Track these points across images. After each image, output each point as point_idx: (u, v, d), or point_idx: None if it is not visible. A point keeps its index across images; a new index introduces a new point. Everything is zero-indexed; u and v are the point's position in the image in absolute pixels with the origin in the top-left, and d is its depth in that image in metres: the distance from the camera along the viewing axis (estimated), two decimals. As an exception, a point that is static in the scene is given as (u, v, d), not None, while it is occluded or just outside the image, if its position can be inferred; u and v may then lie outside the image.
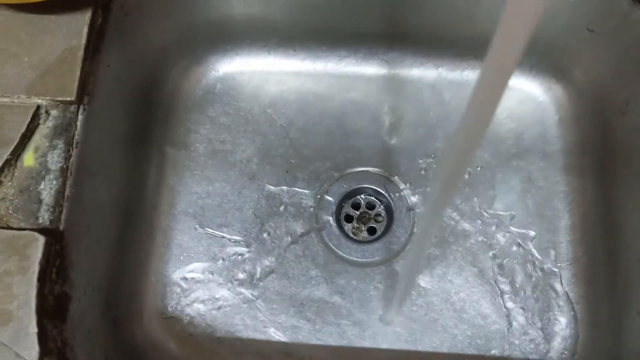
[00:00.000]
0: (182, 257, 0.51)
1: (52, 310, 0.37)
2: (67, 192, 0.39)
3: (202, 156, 0.53)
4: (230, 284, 0.50)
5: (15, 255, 0.37)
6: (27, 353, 0.35)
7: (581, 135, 0.54)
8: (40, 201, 0.39)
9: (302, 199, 0.53)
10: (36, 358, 0.35)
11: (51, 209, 0.39)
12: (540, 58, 0.55)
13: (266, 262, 0.51)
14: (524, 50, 0.19)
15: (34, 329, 0.35)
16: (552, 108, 0.55)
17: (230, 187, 0.53)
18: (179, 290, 0.50)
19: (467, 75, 0.57)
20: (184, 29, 0.53)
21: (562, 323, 0.49)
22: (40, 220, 0.38)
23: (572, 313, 0.49)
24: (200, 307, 0.50)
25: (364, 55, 0.57)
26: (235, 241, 0.51)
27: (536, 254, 0.51)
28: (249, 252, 0.51)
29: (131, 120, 0.49)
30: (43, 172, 0.39)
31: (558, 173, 0.54)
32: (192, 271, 0.50)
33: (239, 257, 0.51)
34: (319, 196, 0.53)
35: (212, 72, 0.56)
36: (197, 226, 0.52)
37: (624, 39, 0.48)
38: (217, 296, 0.50)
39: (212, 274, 0.51)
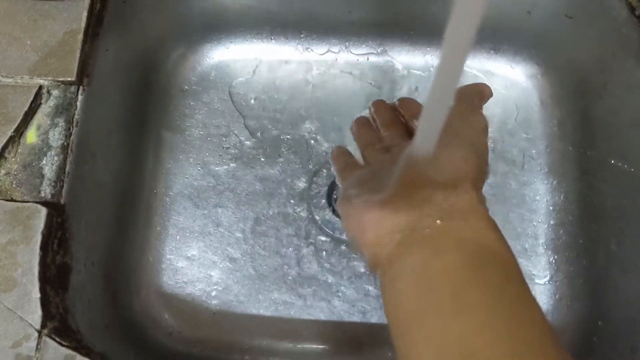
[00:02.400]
0: (178, 237, 0.53)
1: (54, 278, 0.39)
2: (67, 168, 0.41)
3: (198, 140, 0.55)
4: (225, 262, 0.52)
5: (19, 225, 0.39)
6: (31, 317, 0.37)
7: (563, 118, 0.56)
8: (42, 176, 0.41)
9: (295, 180, 0.55)
10: (39, 322, 0.37)
11: (53, 184, 0.41)
12: (524, 45, 0.57)
13: (260, 242, 0.53)
14: (476, 31, 0.21)
15: (36, 294, 0.37)
16: (535, 93, 0.57)
17: (225, 169, 0.55)
18: (175, 267, 0.52)
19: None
20: (179, 18, 0.55)
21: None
22: (43, 194, 0.40)
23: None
24: (196, 283, 0.52)
25: (355, 42, 0.59)
26: (230, 222, 0.53)
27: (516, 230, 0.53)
28: (242, 232, 0.53)
29: (129, 103, 0.51)
30: (45, 149, 0.41)
31: (540, 156, 0.56)
32: (188, 249, 0.52)
33: (234, 236, 0.53)
34: (312, 178, 0.55)
35: (207, 59, 0.58)
36: (192, 207, 0.54)
37: (600, 24, 0.50)
38: (211, 273, 0.52)
39: (207, 253, 0.53)
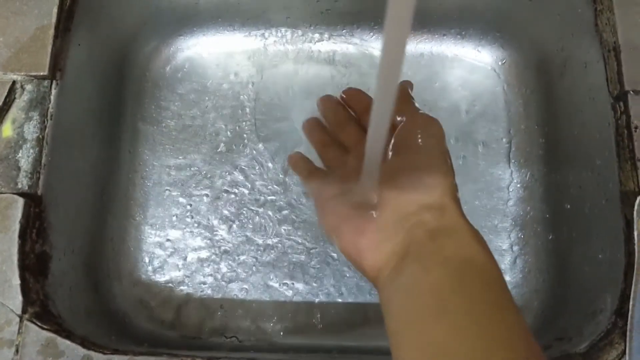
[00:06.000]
0: (157, 225, 0.54)
1: (33, 266, 0.40)
2: (43, 160, 0.43)
3: (174, 131, 0.57)
4: (204, 249, 0.54)
5: (-3, 216, 0.40)
6: (12, 302, 0.38)
7: (527, 98, 0.58)
8: (18, 168, 0.42)
9: (270, 168, 0.56)
10: (20, 307, 0.38)
11: (29, 175, 0.42)
12: (489, 28, 0.59)
13: (238, 228, 0.54)
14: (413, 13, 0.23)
15: (16, 281, 0.39)
16: (501, 75, 0.59)
17: (201, 159, 0.56)
18: (155, 255, 0.53)
19: (428, 48, 0.61)
20: (151, 11, 0.56)
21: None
22: (20, 186, 0.41)
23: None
24: (176, 270, 0.53)
25: (326, 31, 0.60)
26: (208, 209, 0.55)
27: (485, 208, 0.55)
28: (220, 218, 0.54)
29: (104, 96, 0.53)
30: (21, 142, 0.43)
31: (507, 135, 0.57)
32: (167, 237, 0.54)
33: (211, 224, 0.54)
34: (287, 166, 0.56)
35: (180, 51, 0.59)
36: (170, 196, 0.55)
37: (558, 4, 0.52)
38: (191, 260, 0.53)
39: (186, 240, 0.54)
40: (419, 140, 0.36)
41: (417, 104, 0.40)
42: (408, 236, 0.32)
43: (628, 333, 0.39)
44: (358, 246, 0.34)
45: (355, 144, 0.42)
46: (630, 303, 0.39)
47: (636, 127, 0.43)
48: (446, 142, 0.38)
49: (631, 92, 0.43)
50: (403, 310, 0.31)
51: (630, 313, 0.39)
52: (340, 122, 0.44)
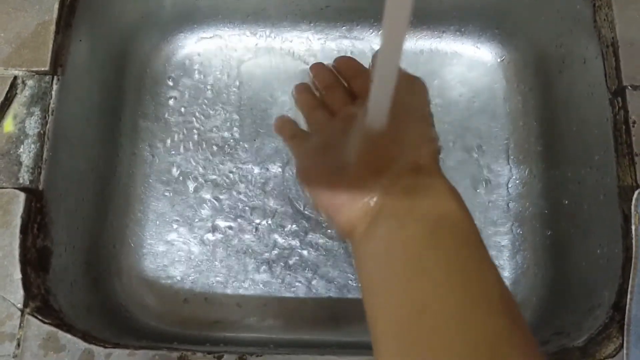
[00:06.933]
0: (158, 222, 0.55)
1: (34, 260, 0.41)
2: (45, 155, 0.43)
3: (174, 127, 0.57)
4: (204, 245, 0.54)
5: (-1, 210, 0.40)
6: (13, 297, 0.39)
7: (526, 95, 0.58)
8: (20, 163, 0.42)
9: (270, 165, 0.56)
10: (21, 301, 0.39)
11: (30, 170, 0.42)
12: (488, 25, 0.59)
13: (237, 225, 0.54)
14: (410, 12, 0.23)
15: (18, 275, 0.39)
16: (500, 72, 0.59)
17: (202, 156, 0.56)
18: (156, 251, 0.54)
19: (427, 45, 0.61)
20: (152, 8, 0.56)
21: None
22: (21, 181, 0.42)
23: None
24: (176, 266, 0.53)
25: (325, 29, 0.60)
26: (208, 206, 0.55)
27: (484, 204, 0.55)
28: (221, 215, 0.55)
29: (104, 92, 0.53)
30: (22, 137, 0.43)
31: (506, 132, 0.58)
32: (168, 234, 0.54)
33: (212, 220, 0.54)
34: (287, 162, 0.56)
35: (181, 48, 0.59)
36: (171, 193, 0.55)
37: (557, 1, 0.52)
38: (191, 256, 0.54)
39: (187, 236, 0.54)
40: (402, 99, 0.35)
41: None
42: (384, 192, 0.32)
43: (626, 327, 0.39)
44: (334, 201, 0.34)
45: (341, 107, 0.41)
46: (628, 297, 0.39)
47: (634, 122, 0.43)
48: (429, 101, 0.38)
49: (629, 87, 0.44)
50: (378, 267, 0.31)
51: (628, 307, 0.39)
52: (328, 85, 0.44)
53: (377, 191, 0.32)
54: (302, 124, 0.44)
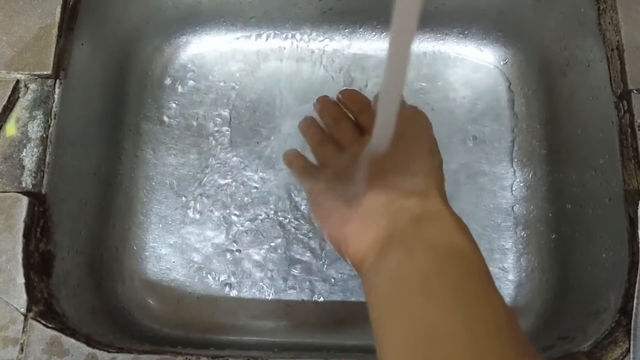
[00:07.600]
0: (160, 225, 0.54)
1: (37, 265, 0.41)
2: (47, 159, 0.43)
3: (176, 130, 0.57)
4: (207, 248, 0.54)
5: (2, 214, 0.40)
6: (16, 301, 0.38)
7: (530, 98, 0.58)
8: (22, 167, 0.42)
9: (272, 167, 0.56)
10: (24, 306, 0.38)
11: (33, 174, 0.42)
12: (491, 28, 0.59)
13: (241, 227, 0.54)
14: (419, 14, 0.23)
15: (21, 280, 0.39)
16: (503, 74, 0.59)
17: (204, 158, 0.56)
18: (158, 254, 0.53)
19: (430, 47, 0.61)
20: (154, 10, 0.56)
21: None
22: (24, 184, 0.42)
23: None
24: (179, 269, 0.53)
25: (327, 31, 0.60)
26: (211, 209, 0.55)
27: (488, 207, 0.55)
28: (223, 219, 0.54)
29: (106, 95, 0.53)
30: (24, 141, 0.43)
31: (510, 135, 0.57)
32: (170, 237, 0.54)
33: (215, 223, 0.54)
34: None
35: (183, 51, 0.59)
36: (174, 195, 0.55)
37: (561, 4, 0.52)
38: (194, 259, 0.53)
39: (190, 240, 0.54)
40: (406, 132, 0.36)
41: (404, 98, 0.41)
42: (392, 222, 0.33)
43: (632, 331, 0.39)
44: (344, 233, 0.35)
45: (350, 141, 0.42)
46: (635, 301, 0.39)
47: (639, 126, 0.43)
48: (433, 132, 0.39)
49: (634, 90, 0.44)
50: (388, 296, 0.32)
51: (634, 311, 0.39)
52: (336, 120, 0.45)
53: (384, 220, 0.33)
54: (309, 154, 0.46)
